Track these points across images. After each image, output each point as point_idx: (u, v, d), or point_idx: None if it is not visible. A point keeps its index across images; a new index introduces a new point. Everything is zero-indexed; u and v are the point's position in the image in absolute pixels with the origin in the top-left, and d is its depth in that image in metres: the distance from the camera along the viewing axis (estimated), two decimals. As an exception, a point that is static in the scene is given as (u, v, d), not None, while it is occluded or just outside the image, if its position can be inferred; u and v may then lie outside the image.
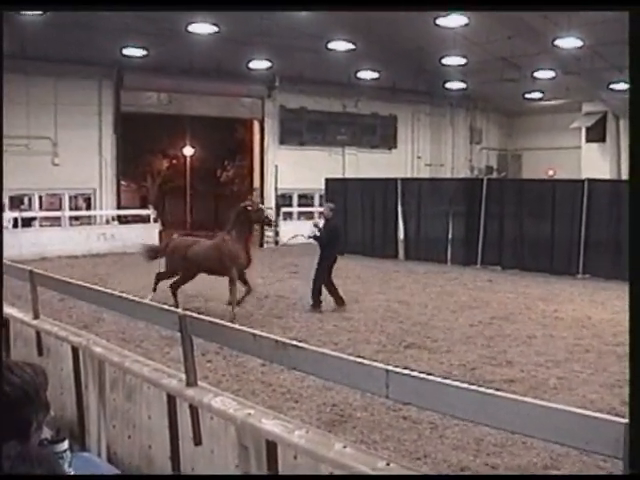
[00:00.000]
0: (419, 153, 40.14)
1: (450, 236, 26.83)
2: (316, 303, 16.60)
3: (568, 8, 22.47)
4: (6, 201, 27.04)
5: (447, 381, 3.94)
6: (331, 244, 16.93)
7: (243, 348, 5.65)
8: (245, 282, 15.74)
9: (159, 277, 16.63)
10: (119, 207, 31.80)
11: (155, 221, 30.68)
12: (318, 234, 16.85)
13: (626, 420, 3.41)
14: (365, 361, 4.37)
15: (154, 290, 16.12)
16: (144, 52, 28.31)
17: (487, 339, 13.67)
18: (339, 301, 16.76)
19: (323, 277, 16.75)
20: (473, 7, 24.57)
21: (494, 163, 43.49)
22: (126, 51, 28.29)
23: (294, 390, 9.99)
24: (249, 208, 15.98)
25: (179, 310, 6.10)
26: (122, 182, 33.45)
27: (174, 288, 16.17)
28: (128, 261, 23.53)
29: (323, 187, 31.36)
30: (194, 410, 5.50)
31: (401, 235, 28.42)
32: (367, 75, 34.19)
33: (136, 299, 7.13)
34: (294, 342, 4.91)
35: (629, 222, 3.08)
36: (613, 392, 10.19)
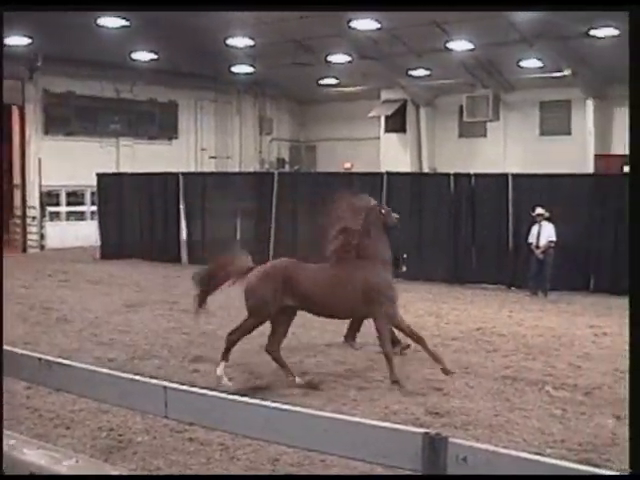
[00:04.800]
0: (203, 144, 40.11)
1: (239, 236, 27.01)
2: None
3: (568, 8, 23.29)
4: None
5: (234, 397, 3.96)
6: None
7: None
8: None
9: None
10: None
11: None
12: None
13: (424, 430, 3.53)
14: (141, 378, 4.33)
15: None
16: None
17: (284, 349, 13.81)
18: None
19: None
20: (472, 7, 25.06)
21: (286, 155, 44.07)
22: None
23: (64, 415, 9.75)
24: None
25: None
26: None
27: None
28: None
29: (95, 183, 30.75)
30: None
31: (184, 236, 28.32)
32: (143, 56, 33.84)
33: None
34: (60, 360, 4.80)
35: (629, 224, 3.24)
36: (417, 401, 10.54)
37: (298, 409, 4.01)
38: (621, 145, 33.94)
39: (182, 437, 8.85)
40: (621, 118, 34.24)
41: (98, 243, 30.07)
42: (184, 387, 4.12)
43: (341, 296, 11.72)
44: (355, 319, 13.76)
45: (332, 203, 12.39)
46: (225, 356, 11.67)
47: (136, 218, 29.45)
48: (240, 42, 32.79)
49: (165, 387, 4.00)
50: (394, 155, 38.55)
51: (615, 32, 27.54)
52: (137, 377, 4.42)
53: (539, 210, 20.80)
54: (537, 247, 20.95)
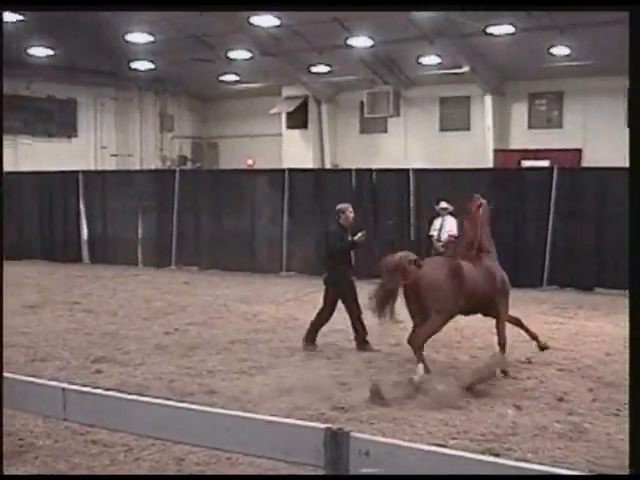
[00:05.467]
0: (104, 142, 39.62)
1: (140, 235, 26.76)
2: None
3: (567, 8, 23.38)
4: None
5: (133, 397, 3.91)
6: None
7: None
8: None
9: None
10: None
11: None
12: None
13: (326, 425, 3.54)
14: (38, 380, 4.25)
15: None
16: None
17: (185, 348, 13.75)
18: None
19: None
20: (472, 7, 24.93)
21: (188, 153, 43.79)
22: None
23: (-39, 420, 9.53)
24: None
25: None
26: None
27: None
28: None
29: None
30: None
31: (85, 235, 27.93)
32: (40, 52, 33.27)
33: None
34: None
35: (629, 224, 3.26)
36: (322, 396, 10.52)
37: (200, 408, 3.98)
38: (518, 140, 34.63)
39: (85, 439, 8.71)
40: (518, 114, 34.91)
41: (-4, 243, 29.45)
42: (83, 388, 4.05)
43: (489, 291, 11.72)
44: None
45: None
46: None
47: (35, 217, 28.89)
48: (139, 38, 32.42)
49: (63, 389, 3.92)
50: (296, 151, 38.61)
51: (511, 30, 28.05)
52: (35, 379, 4.34)
53: (443, 204, 20.91)
54: (439, 240, 21.11)
